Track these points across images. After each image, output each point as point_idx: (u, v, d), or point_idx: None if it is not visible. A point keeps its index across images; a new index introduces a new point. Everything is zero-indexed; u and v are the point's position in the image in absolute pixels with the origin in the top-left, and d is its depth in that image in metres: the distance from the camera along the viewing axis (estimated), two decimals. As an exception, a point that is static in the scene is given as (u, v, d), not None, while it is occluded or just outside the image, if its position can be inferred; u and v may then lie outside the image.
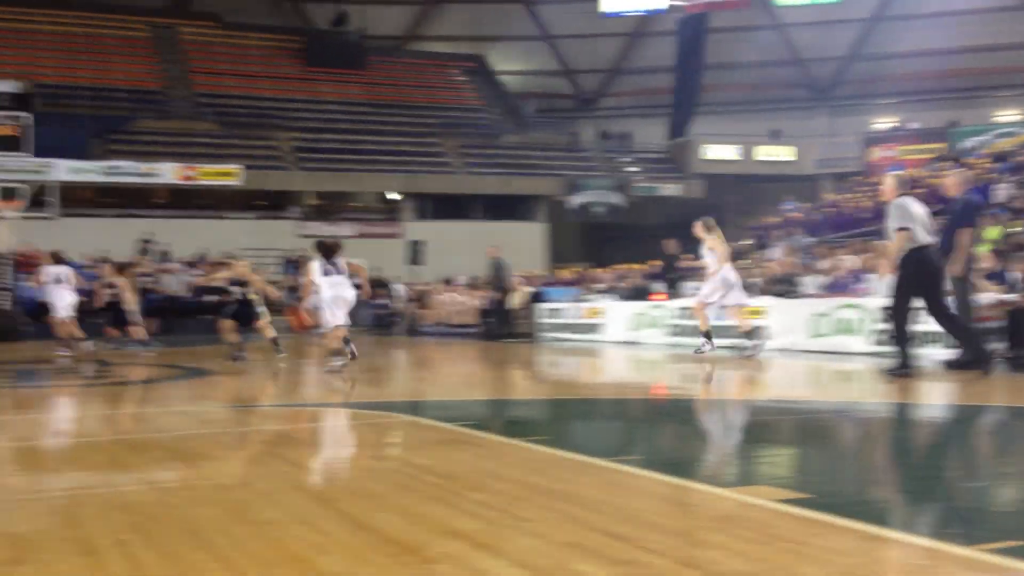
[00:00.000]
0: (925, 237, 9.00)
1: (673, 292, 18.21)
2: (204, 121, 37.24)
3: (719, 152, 41.59)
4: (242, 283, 14.26)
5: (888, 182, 9.53)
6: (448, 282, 26.75)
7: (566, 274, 27.47)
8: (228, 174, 33.10)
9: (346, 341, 11.78)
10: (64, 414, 8.79)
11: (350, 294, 11.97)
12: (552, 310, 19.97)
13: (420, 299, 25.64)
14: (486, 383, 11.27)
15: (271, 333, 14.22)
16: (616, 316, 17.92)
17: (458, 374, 12.68)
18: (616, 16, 44.10)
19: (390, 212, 37.46)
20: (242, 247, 29.81)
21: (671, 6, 42.22)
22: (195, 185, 33.23)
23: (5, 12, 39.87)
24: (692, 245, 16.06)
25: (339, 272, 11.85)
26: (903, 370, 9.15)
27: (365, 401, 9.12)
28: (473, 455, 5.67)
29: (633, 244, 30.66)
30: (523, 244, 34.02)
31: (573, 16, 46.82)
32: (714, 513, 3.98)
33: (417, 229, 34.82)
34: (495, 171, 37.88)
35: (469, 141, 40.24)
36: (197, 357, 15.80)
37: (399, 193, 36.95)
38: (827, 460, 5.70)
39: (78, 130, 33.12)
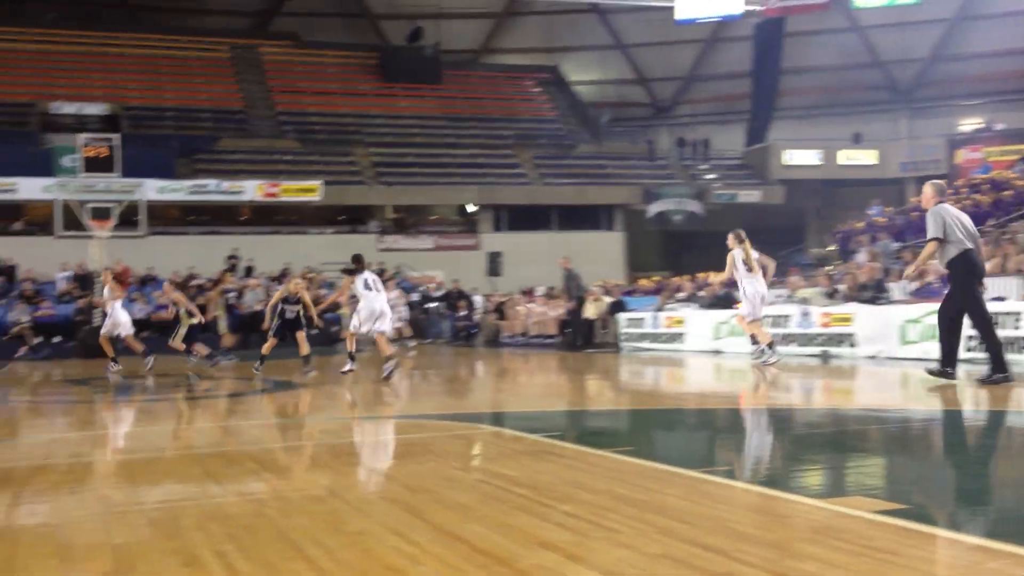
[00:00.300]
0: (964, 242, 9.05)
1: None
2: (285, 139, 37.93)
3: (799, 157, 40.94)
4: (296, 300, 14.75)
5: (927, 190, 9.56)
6: (527, 293, 26.80)
7: (645, 283, 27.31)
8: (309, 190, 33.66)
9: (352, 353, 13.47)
10: (158, 427, 9.02)
11: (386, 306, 13.11)
12: (632, 320, 19.85)
13: (499, 310, 25.72)
14: (567, 394, 11.26)
15: (306, 350, 14.63)
16: (698, 325, 17.75)
17: (539, 385, 12.69)
18: (691, 23, 43.77)
19: (467, 224, 37.69)
20: (323, 262, 30.34)
21: (746, 11, 41.76)
22: (277, 201, 33.87)
23: (94, 37, 41.19)
24: (770, 251, 15.87)
25: (377, 288, 12.92)
26: (999, 376, 8.99)
27: (448, 413, 9.18)
28: (559, 466, 5.67)
29: (712, 252, 30.33)
30: (601, 254, 33.92)
31: (647, 24, 46.59)
32: (808, 524, 3.92)
33: (494, 240, 34.98)
34: (571, 181, 37.87)
35: (544, 152, 40.29)
36: (279, 370, 16.08)
37: (476, 205, 37.17)
38: (921, 470, 5.57)
39: (165, 150, 34.02)
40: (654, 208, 37.37)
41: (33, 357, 20.21)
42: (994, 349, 9.12)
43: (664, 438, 7.32)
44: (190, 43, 42.67)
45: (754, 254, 13.60)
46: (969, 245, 9.08)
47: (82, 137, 26.52)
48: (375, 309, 12.71)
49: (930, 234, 9.13)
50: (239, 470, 5.91)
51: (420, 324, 27.44)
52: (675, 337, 18.21)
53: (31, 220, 32.86)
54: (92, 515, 4.61)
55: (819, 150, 41.20)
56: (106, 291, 17.02)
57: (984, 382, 9.05)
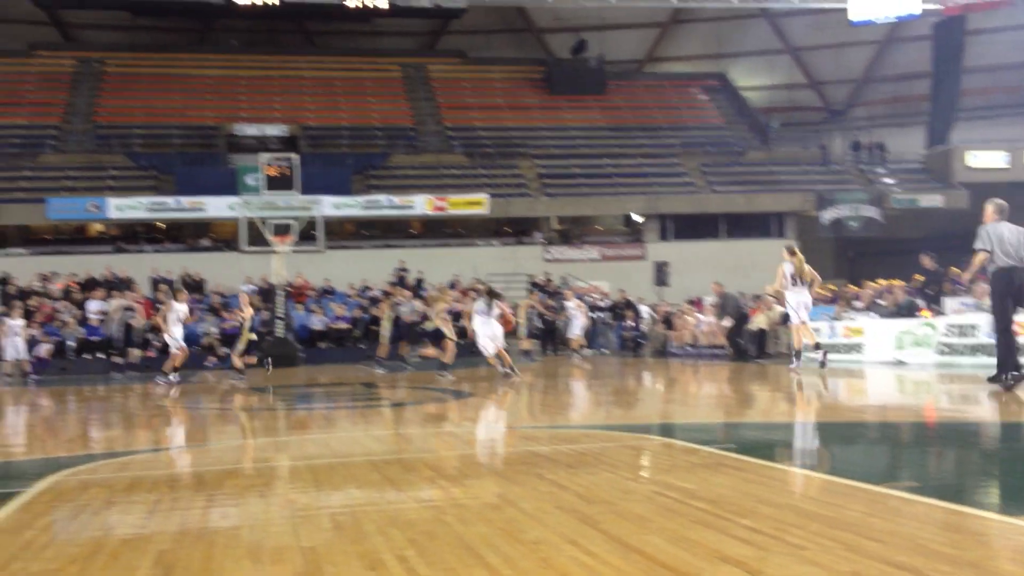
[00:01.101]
0: (1005, 260, 10.12)
1: (936, 308, 17.14)
2: (453, 153, 38.76)
3: (984, 159, 38.78)
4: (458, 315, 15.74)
5: (988, 208, 10.53)
6: (694, 303, 26.38)
7: (821, 292, 26.42)
8: (476, 203, 34.27)
9: (509, 368, 15.49)
10: (337, 434, 9.32)
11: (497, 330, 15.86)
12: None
13: (667, 320, 25.42)
14: (739, 405, 11.00)
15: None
16: (878, 335, 17.04)
17: (710, 396, 12.46)
18: (866, 24, 42.23)
19: (633, 234, 37.47)
20: (490, 273, 30.80)
21: (925, 10, 39.96)
22: (445, 215, 34.61)
23: (273, 61, 43.25)
24: (953, 258, 15.17)
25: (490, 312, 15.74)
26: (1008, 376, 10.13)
27: (618, 423, 9.12)
28: (737, 479, 5.53)
29: (891, 259, 29.18)
30: (771, 262, 32.93)
31: (818, 27, 45.29)
32: (1006, 543, 3.69)
33: (660, 250, 34.64)
34: (740, 188, 37.13)
35: (712, 159, 39.68)
36: (452, 380, 16.37)
37: (642, 215, 36.92)
38: None
39: (340, 168, 35.35)
40: (829, 215, 36.18)
41: (221, 367, 21.29)
42: (1003, 352, 10.34)
43: (845, 452, 7.04)
44: (363, 63, 44.22)
45: (806, 267, 14.83)
46: (1011, 263, 10.12)
47: (264, 157, 27.85)
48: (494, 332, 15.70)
49: (977, 245, 10.34)
50: (416, 477, 6.04)
51: (586, 334, 27.44)
52: (853, 347, 17.54)
53: (218, 237, 34.75)
54: (280, 518, 4.80)
55: (1005, 152, 38.95)
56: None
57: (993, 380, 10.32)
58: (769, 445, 7.54)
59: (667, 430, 8.56)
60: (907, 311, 16.97)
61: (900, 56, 45.77)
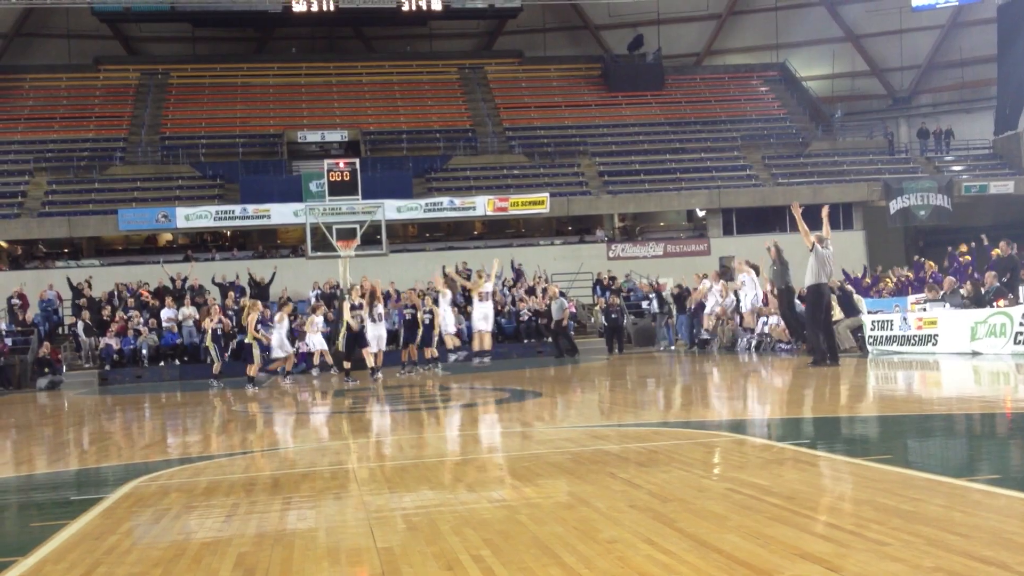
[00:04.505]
0: None
1: (1013, 297, 16.71)
2: (512, 154, 38.78)
3: (1057, 142, 37.79)
4: None
5: None
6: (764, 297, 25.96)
7: (889, 283, 25.94)
8: (537, 203, 34.24)
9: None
10: (408, 435, 9.39)
11: None
12: (879, 322, 18.86)
13: (734, 316, 25.06)
14: (813, 400, 10.84)
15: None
16: (952, 326, 16.66)
17: (781, 391, 12.30)
18: (928, 9, 41.35)
19: (696, 229, 37.14)
20: (553, 272, 30.75)
21: (989, -8, 39.08)
22: (507, 215, 34.65)
23: (332, 68, 43.72)
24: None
25: None
26: None
27: (689, 420, 9.06)
28: (811, 475, 5.47)
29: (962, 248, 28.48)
30: (840, 253, 32.16)
31: (880, 13, 44.46)
32: (1100, 539, 3.58)
33: (725, 244, 34.29)
34: (805, 180, 36.58)
35: (774, 151, 39.16)
36: (519, 380, 16.39)
37: (704, 209, 36.57)
38: None
39: (401, 171, 35.60)
40: (897, 204, 35.51)
41: (292, 371, 21.53)
42: None
43: (922, 445, 6.91)
44: (421, 67, 44.48)
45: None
46: None
47: (326, 163, 28.15)
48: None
49: None
50: (488, 477, 6.06)
51: (650, 331, 27.26)
52: (927, 339, 17.17)
53: (284, 243, 35.21)
54: (355, 520, 4.85)
55: (1078, 134, 37.87)
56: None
57: None
58: (844, 440, 7.43)
59: (738, 426, 8.47)
60: (980, 301, 16.56)
61: (965, 40, 44.75)
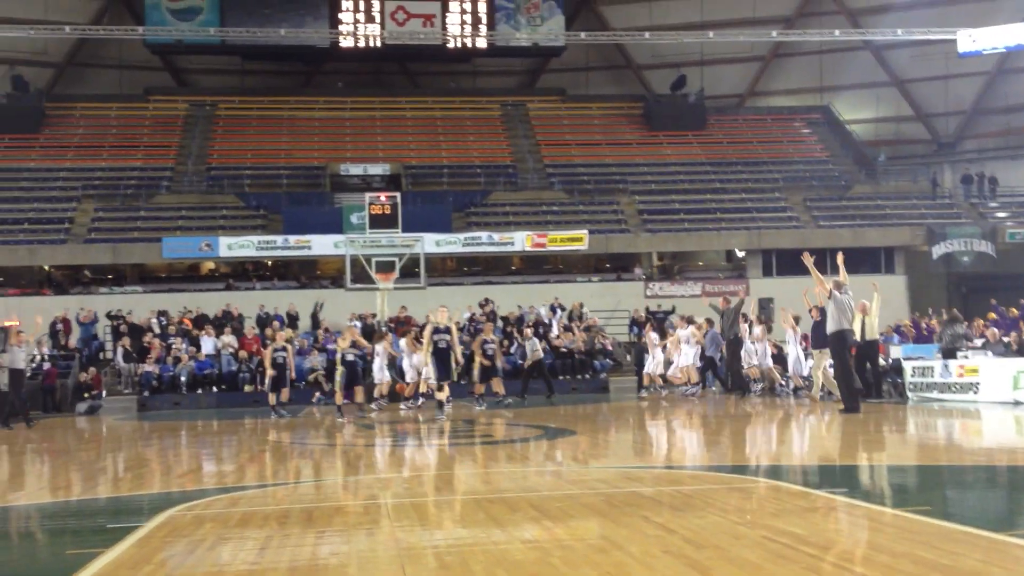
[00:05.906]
0: None
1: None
2: (552, 190, 38.89)
3: (1102, 190, 37.30)
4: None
5: None
6: (805, 339, 25.71)
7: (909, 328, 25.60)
8: (576, 239, 34.27)
9: None
10: (440, 471, 9.38)
11: None
12: (920, 368, 18.62)
13: (775, 358, 24.83)
14: (851, 447, 10.70)
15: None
16: (995, 374, 16.41)
17: (819, 436, 12.15)
18: (975, 55, 41.06)
19: (735, 269, 36.94)
20: (590, 309, 30.68)
21: (1036, 38, 38.71)
22: (546, 251, 34.70)
23: (377, 102, 44.18)
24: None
25: None
26: None
27: (725, 464, 8.97)
28: (847, 524, 5.40)
29: (1007, 295, 28.12)
30: (882, 298, 32.10)
31: (925, 59, 44.21)
32: None
33: (764, 286, 34.02)
34: (846, 223, 36.32)
35: (816, 194, 38.93)
36: (552, 416, 16.34)
37: (744, 250, 36.39)
38: None
39: (441, 205, 35.81)
40: (940, 249, 35.14)
41: (327, 402, 21.60)
42: None
43: (962, 497, 6.79)
44: (464, 103, 44.83)
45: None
46: None
47: (368, 196, 28.38)
48: None
49: None
50: (520, 516, 6.03)
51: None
52: (968, 387, 16.92)
53: (323, 274, 35.48)
54: (387, 555, 4.84)
55: (1123, 182, 37.35)
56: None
57: None
58: (881, 489, 7.32)
59: (775, 472, 8.38)
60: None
61: (1011, 87, 44.38)
